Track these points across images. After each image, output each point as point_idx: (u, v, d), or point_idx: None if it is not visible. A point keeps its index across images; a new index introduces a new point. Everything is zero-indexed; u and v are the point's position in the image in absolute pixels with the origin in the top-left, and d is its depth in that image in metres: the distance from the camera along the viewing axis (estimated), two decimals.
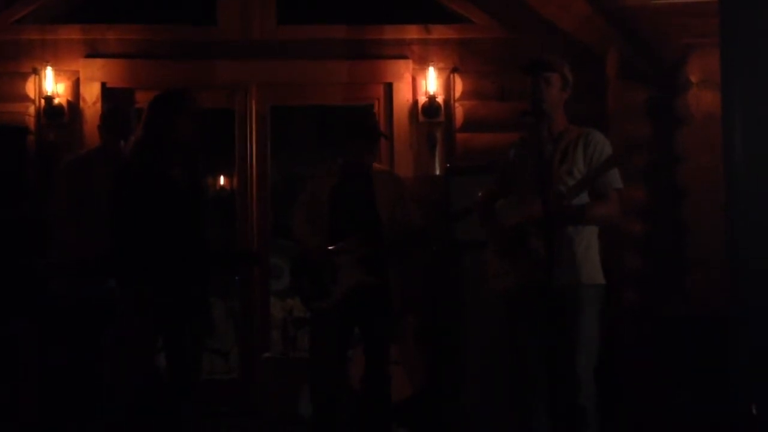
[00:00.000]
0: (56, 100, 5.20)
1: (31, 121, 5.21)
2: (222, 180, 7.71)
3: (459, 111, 5.40)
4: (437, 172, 5.35)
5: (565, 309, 3.34)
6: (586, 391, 3.37)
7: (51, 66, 5.20)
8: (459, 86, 5.40)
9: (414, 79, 5.41)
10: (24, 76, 5.25)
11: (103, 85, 5.31)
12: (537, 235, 3.29)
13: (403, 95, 5.43)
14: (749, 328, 4.02)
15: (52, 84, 5.20)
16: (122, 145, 4.22)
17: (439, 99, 5.35)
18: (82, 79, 5.29)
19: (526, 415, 3.46)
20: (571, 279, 3.36)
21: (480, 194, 3.74)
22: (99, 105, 5.23)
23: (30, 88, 5.24)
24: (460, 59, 5.43)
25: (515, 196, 3.50)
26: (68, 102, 5.26)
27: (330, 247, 4.15)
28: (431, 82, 5.34)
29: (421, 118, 5.38)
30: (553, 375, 3.33)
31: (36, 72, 5.22)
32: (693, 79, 4.55)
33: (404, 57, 5.44)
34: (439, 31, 5.46)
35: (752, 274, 4.00)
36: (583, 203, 3.37)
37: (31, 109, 5.23)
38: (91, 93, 5.29)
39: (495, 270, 3.52)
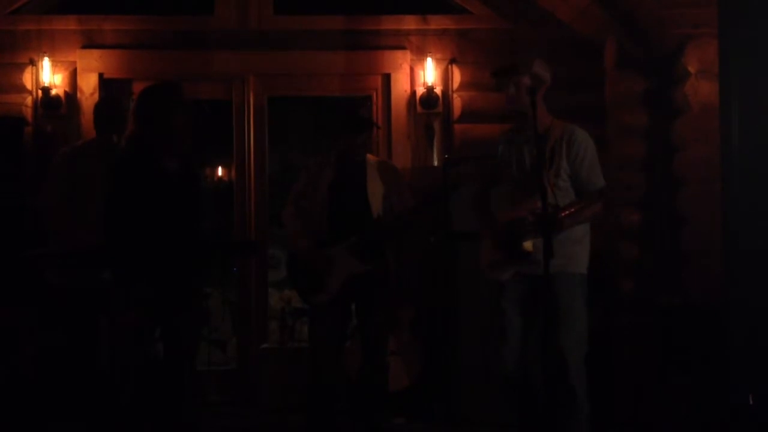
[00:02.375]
0: (53, 91, 5.20)
1: (28, 112, 5.21)
2: (220, 171, 7.70)
3: (457, 102, 5.39)
4: (435, 163, 5.34)
5: (553, 295, 3.41)
6: (576, 372, 3.44)
7: (48, 57, 5.20)
8: (457, 77, 5.39)
9: (412, 70, 5.41)
10: (21, 67, 5.24)
11: (101, 75, 5.31)
12: (528, 234, 3.40)
13: (401, 86, 5.42)
14: (746, 318, 4.04)
15: (49, 75, 5.19)
16: (115, 138, 4.21)
17: (437, 90, 5.35)
18: (79, 69, 5.28)
19: (515, 398, 3.54)
20: (560, 266, 3.44)
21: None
22: (96, 96, 5.23)
23: (27, 79, 5.23)
24: (458, 50, 5.43)
25: (508, 192, 3.56)
26: (65, 93, 5.25)
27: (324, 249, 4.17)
28: (429, 73, 5.33)
29: (419, 109, 5.37)
30: (544, 359, 3.40)
31: (33, 63, 5.22)
32: (690, 69, 4.55)
33: (402, 48, 5.43)
34: (437, 22, 5.46)
35: (749, 265, 4.02)
36: (569, 204, 3.42)
37: (29, 100, 5.22)
38: (89, 84, 5.28)
39: (489, 260, 3.62)
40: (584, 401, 3.49)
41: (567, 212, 3.43)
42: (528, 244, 3.43)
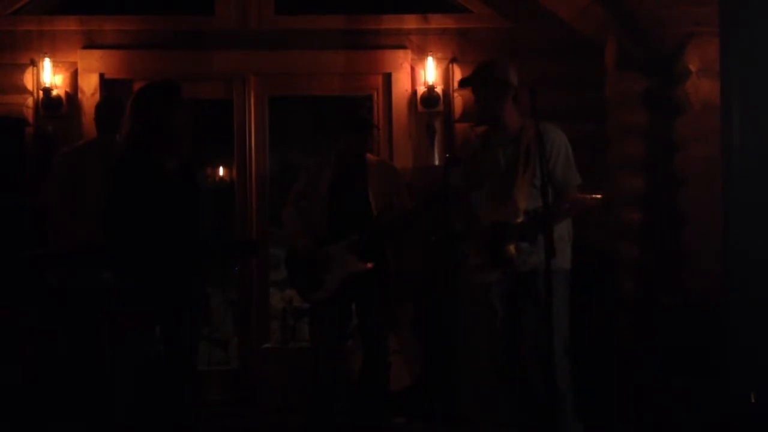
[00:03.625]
0: (54, 92, 5.20)
1: (29, 113, 5.21)
2: (221, 171, 7.71)
3: (458, 101, 5.39)
4: (436, 162, 5.34)
5: (535, 290, 3.46)
6: (560, 367, 3.46)
7: (49, 57, 5.20)
8: (458, 76, 5.38)
9: (413, 69, 5.40)
10: (22, 68, 5.24)
11: (101, 76, 5.31)
12: (510, 239, 3.43)
13: (401, 85, 5.42)
14: (746, 317, 4.03)
15: (50, 75, 5.19)
16: (117, 138, 4.21)
17: (438, 89, 5.34)
18: (80, 70, 5.29)
19: (511, 396, 3.56)
20: (539, 265, 3.43)
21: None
22: (97, 96, 5.23)
23: (28, 80, 5.24)
24: (458, 49, 5.42)
25: (488, 194, 3.58)
26: (66, 93, 5.26)
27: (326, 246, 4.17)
28: (430, 72, 5.33)
29: (420, 108, 5.37)
30: (530, 353, 3.42)
31: (34, 63, 5.22)
32: (691, 67, 4.54)
33: (403, 47, 5.43)
34: (438, 21, 5.45)
35: (749, 264, 4.01)
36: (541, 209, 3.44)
37: (30, 101, 5.23)
38: (89, 84, 5.28)
39: (475, 263, 3.65)
40: (568, 393, 3.51)
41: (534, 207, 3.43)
42: (511, 248, 3.43)
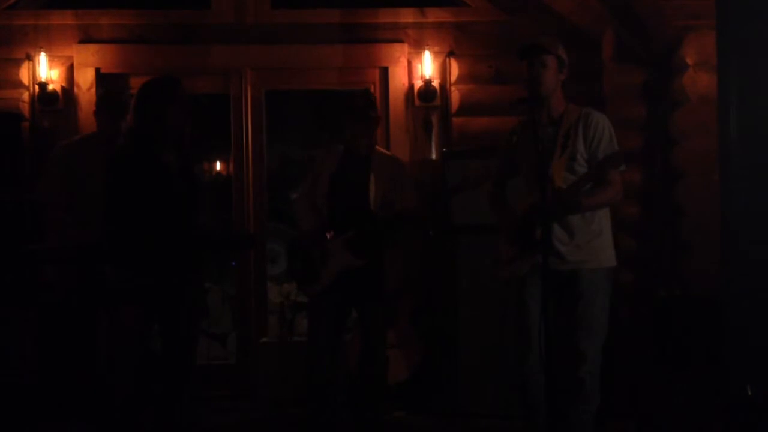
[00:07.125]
0: (50, 86, 5.19)
1: (25, 108, 5.20)
2: (218, 165, 7.70)
3: (455, 95, 5.39)
4: (433, 157, 5.34)
5: (576, 290, 3.39)
6: (590, 366, 3.42)
7: (45, 52, 5.18)
8: (455, 70, 5.38)
9: (410, 63, 5.39)
10: (17, 62, 5.23)
11: (97, 70, 5.29)
12: (541, 223, 3.29)
13: (398, 79, 5.41)
14: (744, 310, 4.04)
15: (46, 70, 5.18)
16: (118, 129, 4.21)
17: (435, 83, 5.34)
18: (76, 64, 5.27)
19: (524, 390, 3.49)
20: (584, 262, 3.41)
21: (477, 173, 3.76)
22: (93, 91, 5.21)
23: (24, 75, 5.22)
24: (455, 43, 5.41)
25: (524, 182, 3.51)
26: (62, 88, 5.24)
27: (327, 236, 4.16)
28: (427, 66, 5.32)
29: (417, 102, 5.36)
30: (560, 353, 3.34)
31: (30, 58, 5.20)
32: (689, 61, 4.54)
33: (399, 41, 5.42)
34: (435, 15, 5.44)
35: (746, 257, 4.02)
36: (582, 190, 3.39)
37: (25, 96, 5.21)
38: (86, 79, 5.26)
39: (506, 256, 3.52)
40: (593, 395, 3.46)
41: (586, 195, 3.35)
42: (538, 232, 3.28)
